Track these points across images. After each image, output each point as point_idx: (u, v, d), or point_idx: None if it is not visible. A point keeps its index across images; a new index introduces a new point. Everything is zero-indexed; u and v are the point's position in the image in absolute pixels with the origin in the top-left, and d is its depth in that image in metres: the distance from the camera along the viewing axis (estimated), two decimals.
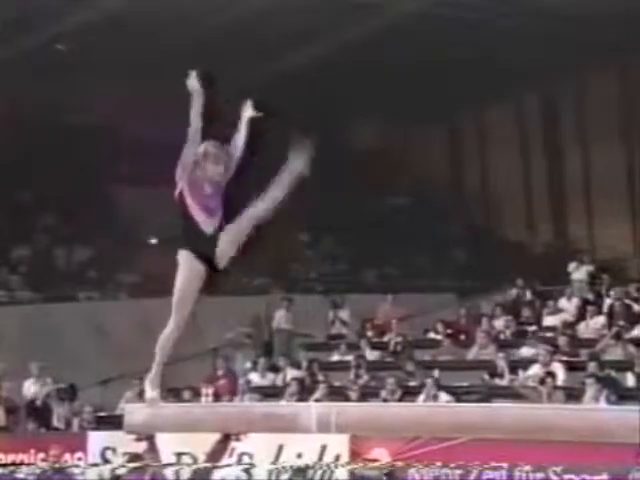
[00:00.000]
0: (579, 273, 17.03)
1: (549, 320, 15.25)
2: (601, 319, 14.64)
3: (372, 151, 20.74)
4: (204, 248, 5.50)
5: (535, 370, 12.62)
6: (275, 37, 17.40)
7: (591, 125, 19.44)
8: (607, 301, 15.35)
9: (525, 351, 13.61)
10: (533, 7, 16.80)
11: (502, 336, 14.71)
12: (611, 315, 14.68)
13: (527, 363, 13.00)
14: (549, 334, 14.25)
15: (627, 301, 15.19)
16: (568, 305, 15.58)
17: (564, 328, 14.39)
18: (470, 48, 17.43)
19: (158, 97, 16.67)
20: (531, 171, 20.48)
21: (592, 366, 12.31)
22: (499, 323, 15.19)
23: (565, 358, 13.12)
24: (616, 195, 19.11)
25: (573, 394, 11.78)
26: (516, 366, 13.02)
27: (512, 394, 12.09)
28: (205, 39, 16.96)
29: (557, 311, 15.46)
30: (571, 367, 12.78)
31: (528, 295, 16.58)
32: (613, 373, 12.37)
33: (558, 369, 12.62)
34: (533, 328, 14.88)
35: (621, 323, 14.21)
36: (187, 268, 5.57)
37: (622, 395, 11.64)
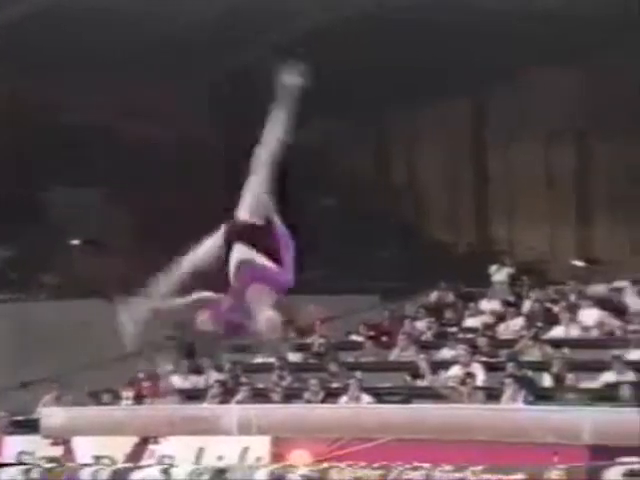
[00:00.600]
0: (500, 275, 17.29)
1: (470, 321, 15.47)
2: (520, 320, 14.89)
3: (299, 149, 20.75)
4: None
5: (455, 371, 12.76)
6: (215, 39, 17.36)
7: (514, 126, 19.69)
8: (527, 303, 15.62)
9: (446, 352, 13.77)
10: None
11: (424, 337, 14.87)
12: (530, 317, 14.94)
13: (448, 364, 13.15)
14: (470, 335, 14.44)
15: (546, 303, 15.49)
16: (489, 307, 15.81)
17: (484, 329, 14.60)
18: (404, 48, 17.51)
19: (94, 94, 16.55)
20: (456, 172, 20.66)
21: (511, 366, 12.50)
22: (421, 325, 15.35)
23: (485, 359, 13.30)
24: (537, 197, 19.41)
25: (492, 394, 11.93)
26: (437, 367, 13.16)
27: (433, 395, 12.20)
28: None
29: (478, 313, 15.69)
30: (491, 368, 12.96)
31: (451, 297, 16.79)
32: (531, 373, 12.56)
33: (478, 370, 12.79)
34: (454, 329, 15.07)
35: (539, 324, 14.46)
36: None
37: (539, 395, 11.82)
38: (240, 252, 5.46)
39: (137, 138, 18.73)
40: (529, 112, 19.20)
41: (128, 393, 12.99)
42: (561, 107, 19.05)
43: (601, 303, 14.81)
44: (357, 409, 10.75)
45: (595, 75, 18.61)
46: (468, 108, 20.50)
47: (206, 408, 10.06)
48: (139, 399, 12.97)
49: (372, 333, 15.07)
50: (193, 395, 13.08)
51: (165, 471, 8.50)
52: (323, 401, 11.95)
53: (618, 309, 14.72)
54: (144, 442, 10.88)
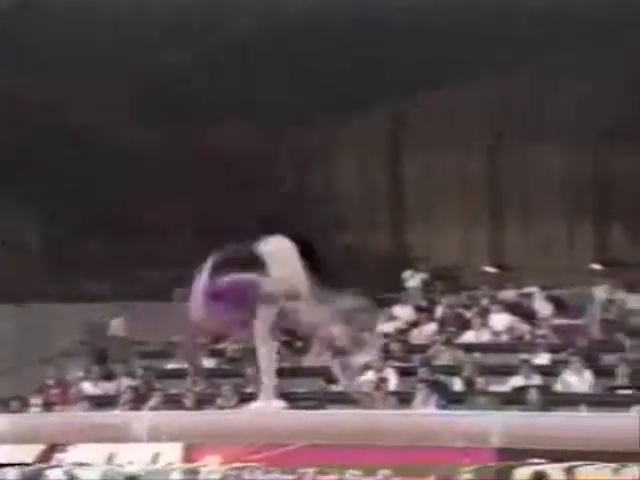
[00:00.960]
0: (413, 281, 17.45)
1: (384, 327, 15.58)
2: (433, 326, 15.06)
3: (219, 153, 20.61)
4: None
5: (369, 376, 12.84)
6: (151, 33, 17.14)
7: (431, 131, 19.87)
8: (439, 308, 15.81)
9: (361, 357, 13.82)
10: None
11: (339, 342, 14.90)
12: (443, 322, 15.12)
13: (362, 369, 13.20)
14: (384, 340, 14.54)
15: (458, 309, 15.69)
16: (402, 312, 15.95)
17: (398, 335, 14.73)
18: (326, 55, 17.52)
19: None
20: (371, 178, 20.74)
21: (423, 371, 12.63)
22: (336, 330, 15.37)
23: (398, 364, 13.41)
24: (451, 204, 19.60)
25: (405, 399, 12.04)
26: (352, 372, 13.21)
27: (347, 400, 12.25)
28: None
29: (391, 318, 15.81)
30: (403, 372, 13.07)
31: (364, 302, 16.87)
32: (442, 378, 12.71)
33: (391, 375, 12.89)
34: (368, 334, 15.14)
35: (451, 329, 14.65)
36: None
37: (450, 399, 11.96)
38: None
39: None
40: (445, 118, 19.41)
41: (37, 400, 12.77)
42: (476, 113, 19.32)
43: (511, 308, 15.07)
44: (269, 414, 10.73)
45: (509, 82, 18.93)
46: (385, 114, 20.61)
47: (116, 415, 9.92)
48: (48, 406, 12.76)
49: (287, 338, 15.05)
50: (104, 402, 12.91)
51: (74, 474, 8.37)
52: (237, 406, 11.91)
53: (527, 314, 14.99)
54: (51, 450, 10.69)
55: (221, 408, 11.82)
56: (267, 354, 6.06)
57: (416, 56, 17.54)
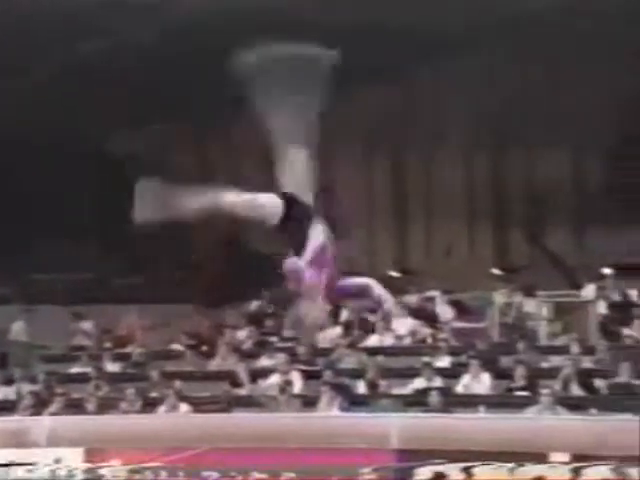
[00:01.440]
0: None
1: (290, 331, 15.58)
2: (338, 329, 15.13)
3: (124, 156, 20.36)
4: None
5: (274, 379, 12.82)
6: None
7: (333, 141, 19.97)
8: (344, 312, 15.89)
9: (265, 361, 13.81)
10: None
11: (244, 346, 14.88)
12: (347, 326, 15.21)
13: (267, 372, 13.19)
14: (289, 344, 14.55)
15: (363, 313, 15.80)
16: None
17: (303, 338, 14.75)
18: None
19: None
20: (275, 181, 20.70)
21: (327, 374, 12.67)
22: (242, 334, 15.36)
23: (303, 367, 13.42)
24: (356, 209, 19.72)
25: (309, 401, 12.05)
26: (257, 375, 13.19)
27: (252, 403, 12.21)
28: None
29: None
30: (308, 376, 13.09)
31: (272, 307, 16.88)
32: (347, 381, 12.77)
33: (296, 378, 12.89)
34: (274, 338, 15.15)
35: (356, 333, 14.74)
36: None
37: (354, 402, 12.02)
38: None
39: None
40: (348, 121, 19.52)
41: None
42: (380, 117, 19.52)
43: (414, 312, 15.23)
44: (174, 418, 10.65)
45: (411, 87, 19.18)
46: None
47: (15, 420, 9.74)
48: None
49: (193, 342, 14.96)
50: (4, 407, 12.60)
51: None
52: (141, 411, 11.77)
53: (429, 318, 15.17)
54: None
55: (125, 412, 11.66)
56: None
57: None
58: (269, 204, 5.53)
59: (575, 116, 16.89)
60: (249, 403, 12.21)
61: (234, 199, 5.54)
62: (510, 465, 8.82)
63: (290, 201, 5.54)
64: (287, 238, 5.56)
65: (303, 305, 5.47)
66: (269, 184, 6.12)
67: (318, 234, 5.52)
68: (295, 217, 5.50)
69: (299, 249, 5.48)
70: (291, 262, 5.43)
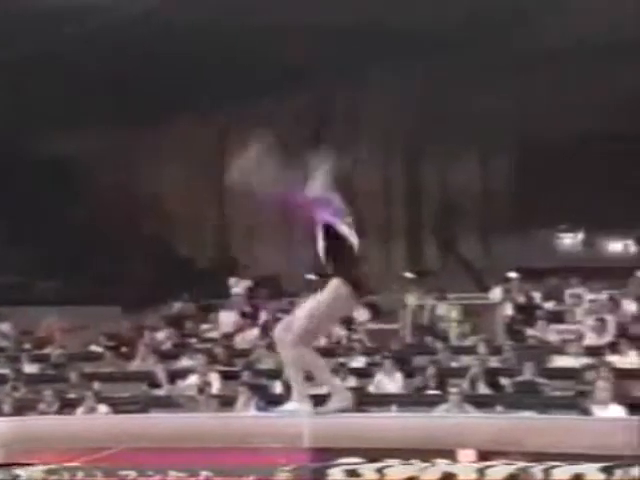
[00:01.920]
0: (238, 287, 17.49)
1: (210, 332, 15.54)
2: (256, 331, 15.12)
3: (60, 158, 20.06)
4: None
5: (193, 380, 12.75)
6: None
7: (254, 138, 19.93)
8: (263, 314, 15.89)
9: (184, 362, 13.73)
10: None
11: (163, 348, 14.78)
12: (265, 327, 15.21)
13: (186, 373, 13.11)
14: (208, 345, 14.50)
15: (280, 315, 15.81)
16: (228, 318, 15.95)
17: (222, 340, 14.72)
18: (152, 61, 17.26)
19: None
20: (199, 188, 20.61)
21: (245, 375, 12.65)
22: (161, 335, 15.25)
23: (221, 368, 13.38)
24: (272, 214, 19.72)
25: (227, 402, 12.01)
26: (175, 376, 13.10)
27: (170, 403, 12.12)
28: None
29: (217, 324, 15.79)
30: (227, 376, 13.05)
31: (191, 308, 16.81)
32: (264, 381, 12.76)
33: (214, 379, 12.84)
34: (193, 340, 15.07)
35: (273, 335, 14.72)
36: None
37: (271, 401, 12.01)
38: None
39: None
40: (269, 128, 19.53)
41: None
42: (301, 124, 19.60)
43: None
44: (92, 419, 10.50)
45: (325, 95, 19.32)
46: (213, 125, 20.55)
47: None
48: None
49: (112, 343, 14.80)
50: None
51: None
52: (59, 412, 11.60)
53: (345, 319, 15.25)
54: None
55: (43, 414, 11.47)
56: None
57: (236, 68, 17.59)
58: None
59: (484, 126, 17.19)
60: (168, 403, 12.12)
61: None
62: (421, 464, 8.93)
63: None
64: None
65: None
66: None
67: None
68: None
69: None
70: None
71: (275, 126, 19.19)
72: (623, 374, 11.54)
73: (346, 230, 5.93)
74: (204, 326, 15.81)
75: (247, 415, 10.12)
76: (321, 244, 5.98)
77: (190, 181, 20.57)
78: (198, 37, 17.11)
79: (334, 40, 16.84)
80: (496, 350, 12.89)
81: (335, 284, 5.86)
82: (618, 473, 8.01)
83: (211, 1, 16.99)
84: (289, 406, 6.06)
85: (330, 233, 5.92)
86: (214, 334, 15.43)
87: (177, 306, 16.91)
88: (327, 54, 17.15)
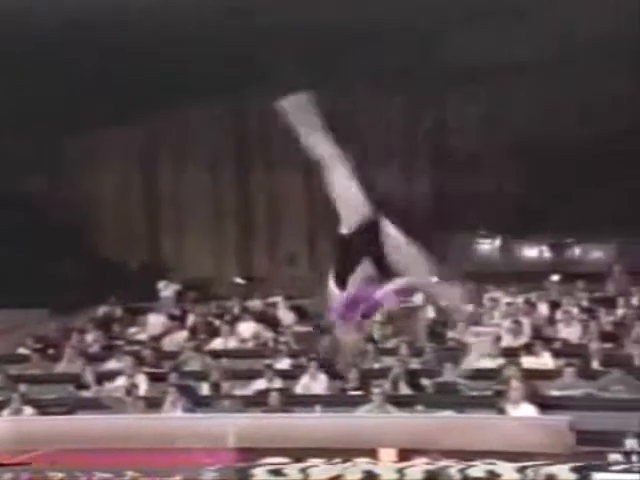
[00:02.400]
0: (167, 291, 17.37)
1: (137, 335, 15.40)
2: (184, 333, 15.04)
3: None
4: None
5: (121, 382, 12.63)
6: None
7: (181, 150, 19.85)
8: (191, 317, 15.81)
9: (112, 364, 13.59)
10: None
11: (91, 350, 14.61)
12: (194, 330, 15.14)
13: (114, 375, 12.98)
14: (136, 347, 14.37)
15: (209, 318, 15.76)
16: (157, 321, 15.82)
17: (150, 342, 14.61)
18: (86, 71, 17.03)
19: None
20: (128, 191, 20.42)
21: (173, 377, 12.57)
22: (89, 337, 15.07)
23: (149, 370, 13.27)
24: (204, 218, 19.67)
25: (154, 403, 11.91)
26: (103, 378, 12.95)
27: (98, 405, 11.97)
28: None
29: (145, 326, 15.66)
30: (154, 378, 12.95)
31: (119, 311, 16.64)
32: (191, 383, 12.69)
33: (142, 380, 12.73)
34: (121, 342, 14.93)
35: (201, 337, 14.69)
36: None
37: (198, 403, 11.95)
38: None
39: None
40: (194, 135, 19.48)
41: None
42: (218, 137, 19.62)
43: (257, 317, 15.30)
44: (18, 421, 10.34)
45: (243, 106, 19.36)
46: (140, 130, 20.38)
47: None
48: None
49: (39, 346, 14.58)
50: None
51: None
52: None
53: (272, 322, 15.27)
54: None
55: None
56: None
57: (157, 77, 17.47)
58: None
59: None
60: (95, 405, 11.96)
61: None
62: (344, 464, 8.98)
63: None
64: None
65: (340, 333, 5.37)
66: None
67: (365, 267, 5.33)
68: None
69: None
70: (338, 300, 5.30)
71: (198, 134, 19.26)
72: (537, 375, 11.76)
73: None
74: (132, 329, 15.66)
75: (173, 416, 10.07)
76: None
77: (120, 184, 20.36)
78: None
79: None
80: (417, 352, 13.01)
81: None
82: (531, 472, 8.19)
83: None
84: None
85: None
86: (142, 336, 15.30)
87: (105, 309, 16.73)
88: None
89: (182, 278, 18.39)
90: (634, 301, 14.43)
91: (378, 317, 15.44)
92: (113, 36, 16.63)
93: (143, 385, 12.66)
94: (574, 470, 8.25)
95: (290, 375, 12.79)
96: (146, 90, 17.74)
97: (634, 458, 9.55)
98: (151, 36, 16.68)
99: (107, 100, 17.91)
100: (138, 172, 20.44)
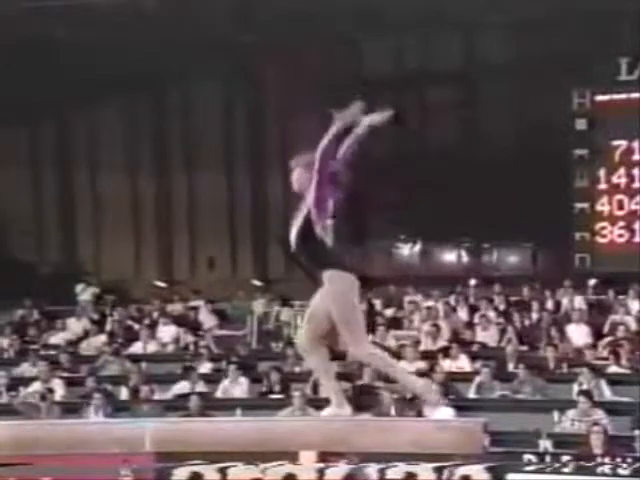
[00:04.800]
0: (85, 294, 17.12)
1: (54, 339, 15.15)
2: (103, 337, 14.85)
3: None
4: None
5: (36, 387, 12.40)
6: None
7: (95, 153, 19.60)
8: (110, 320, 15.61)
9: (27, 369, 13.34)
10: None
11: (5, 355, 14.33)
12: (112, 333, 14.95)
13: (28, 380, 12.74)
14: (53, 352, 14.14)
15: (128, 321, 15.58)
16: (74, 324, 15.59)
17: (67, 346, 14.39)
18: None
19: None
20: (42, 191, 20.04)
21: (90, 381, 12.41)
22: (4, 342, 14.77)
23: (66, 374, 13.08)
24: (122, 221, 19.44)
25: (71, 408, 11.75)
26: (17, 384, 12.70)
27: (12, 411, 11.73)
28: None
29: (62, 330, 15.41)
30: (71, 383, 12.76)
31: (35, 315, 16.34)
32: (110, 387, 12.54)
33: (58, 385, 12.54)
34: (36, 346, 14.66)
35: (120, 340, 14.51)
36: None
37: (116, 408, 11.82)
38: None
39: None
40: (110, 136, 19.27)
41: None
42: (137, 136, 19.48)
43: (178, 320, 15.18)
44: None
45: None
46: (54, 127, 20.05)
47: None
48: None
49: None
50: None
51: None
52: None
53: (193, 326, 15.17)
54: None
55: None
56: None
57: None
58: None
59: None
60: (9, 411, 11.71)
61: None
62: (263, 465, 8.96)
63: None
64: None
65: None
66: None
67: None
68: None
69: None
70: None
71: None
72: (453, 377, 11.92)
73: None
74: (48, 333, 15.39)
75: (86, 421, 9.92)
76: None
77: (31, 186, 19.95)
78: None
79: None
80: (338, 355, 13.04)
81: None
82: (447, 472, 8.30)
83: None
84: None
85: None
86: (59, 341, 15.05)
87: (20, 313, 16.43)
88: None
89: (100, 281, 18.15)
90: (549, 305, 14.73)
91: (299, 321, 15.48)
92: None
93: (59, 390, 12.46)
94: (488, 470, 8.39)
95: (211, 379, 12.74)
96: (61, 88, 17.50)
97: (547, 458, 9.76)
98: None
99: (19, 98, 17.60)
100: (52, 172, 20.08)
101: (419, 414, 10.15)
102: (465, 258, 18.26)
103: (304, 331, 5.62)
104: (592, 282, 15.72)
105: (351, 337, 5.42)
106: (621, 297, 14.60)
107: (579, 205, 16.99)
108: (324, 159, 5.41)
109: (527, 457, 9.74)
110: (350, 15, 16.80)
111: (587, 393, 10.97)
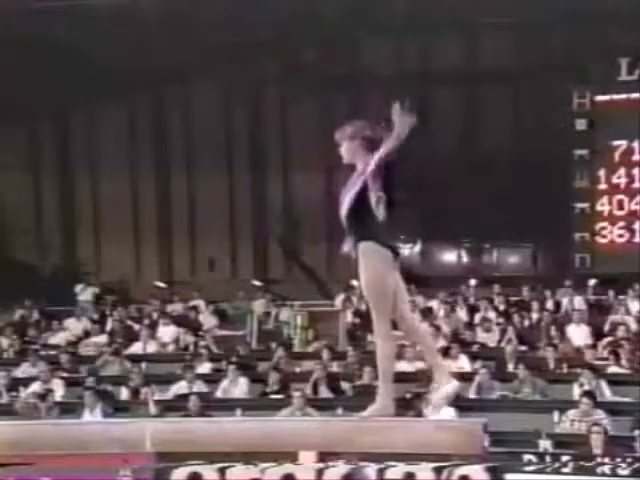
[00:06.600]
0: (85, 294, 17.12)
1: (54, 339, 15.14)
2: (103, 337, 14.85)
3: None
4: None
5: (35, 387, 12.40)
6: None
7: (95, 154, 19.61)
8: (110, 320, 15.61)
9: (27, 369, 13.33)
10: None
11: (5, 355, 14.32)
12: (112, 333, 14.95)
13: (28, 381, 12.74)
14: (52, 352, 14.14)
15: (128, 321, 15.59)
16: (74, 324, 15.59)
17: (67, 346, 14.39)
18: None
19: None
20: (42, 191, 20.05)
21: (90, 381, 12.41)
22: (4, 342, 14.77)
23: (66, 375, 13.07)
24: (123, 221, 19.44)
25: (71, 409, 11.75)
26: (17, 384, 12.70)
27: (11, 411, 11.72)
28: None
29: (62, 330, 15.41)
30: (71, 383, 12.76)
31: (35, 315, 16.34)
32: (110, 387, 12.54)
33: (58, 385, 12.53)
34: (36, 347, 14.66)
35: (120, 340, 14.51)
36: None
37: (116, 408, 11.82)
38: None
39: None
40: (111, 136, 19.28)
41: None
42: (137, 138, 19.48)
43: (178, 321, 15.18)
44: None
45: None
46: (52, 131, 20.06)
47: None
48: None
49: None
50: None
51: None
52: None
53: (193, 326, 15.17)
54: None
55: None
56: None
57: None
58: None
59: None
60: (8, 411, 11.70)
61: None
62: (262, 465, 8.96)
63: None
64: None
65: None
66: None
67: None
68: None
69: None
70: None
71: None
72: (455, 377, 11.87)
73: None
74: (48, 333, 15.39)
75: (86, 421, 9.92)
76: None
77: (29, 188, 19.96)
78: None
79: None
80: (338, 355, 13.07)
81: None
82: (446, 472, 8.28)
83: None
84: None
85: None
86: (59, 341, 15.05)
87: (20, 313, 16.42)
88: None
89: (100, 282, 18.16)
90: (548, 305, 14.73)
91: (299, 321, 15.50)
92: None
93: (59, 390, 12.46)
94: (488, 470, 8.37)
95: (211, 379, 12.74)
96: (61, 88, 17.51)
97: (547, 459, 9.76)
98: None
99: (19, 98, 17.61)
100: (52, 172, 20.08)
101: (419, 414, 10.15)
102: (465, 258, 18.26)
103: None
104: (592, 282, 15.73)
105: (375, 312, 5.41)
106: (621, 297, 14.60)
107: (579, 205, 16.99)
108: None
109: (527, 457, 9.74)
110: (350, 15, 16.81)
111: (590, 394, 10.94)
